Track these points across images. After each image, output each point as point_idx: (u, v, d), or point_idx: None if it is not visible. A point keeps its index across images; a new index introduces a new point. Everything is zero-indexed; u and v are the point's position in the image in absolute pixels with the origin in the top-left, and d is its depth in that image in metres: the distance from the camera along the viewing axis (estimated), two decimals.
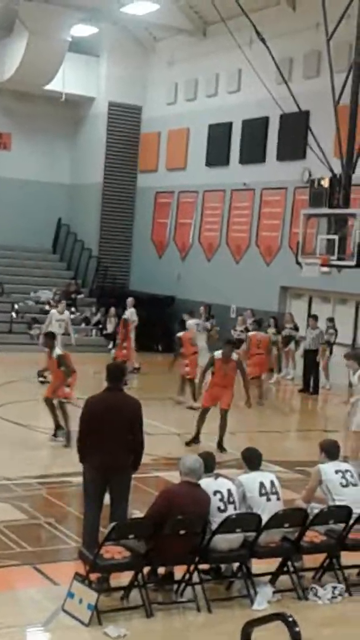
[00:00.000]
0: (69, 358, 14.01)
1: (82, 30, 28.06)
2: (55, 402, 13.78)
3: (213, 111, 26.84)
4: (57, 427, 13.78)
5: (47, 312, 26.80)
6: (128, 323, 21.19)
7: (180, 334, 18.59)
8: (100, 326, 26.47)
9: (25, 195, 29.91)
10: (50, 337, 14.46)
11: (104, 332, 25.97)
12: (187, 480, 7.87)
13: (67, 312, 21.99)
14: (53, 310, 22.21)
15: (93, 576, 7.56)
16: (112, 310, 25.69)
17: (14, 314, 26.21)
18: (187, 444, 14.11)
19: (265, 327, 22.77)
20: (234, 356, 14.37)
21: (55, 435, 13.78)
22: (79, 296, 28.24)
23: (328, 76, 17.02)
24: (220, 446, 13.89)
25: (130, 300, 23.14)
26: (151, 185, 29.85)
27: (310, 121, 21.12)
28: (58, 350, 14.05)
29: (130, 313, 22.27)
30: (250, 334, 20.12)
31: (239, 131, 25.95)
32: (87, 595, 7.31)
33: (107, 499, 8.23)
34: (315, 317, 21.33)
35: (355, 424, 12.89)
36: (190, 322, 20.48)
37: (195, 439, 14.25)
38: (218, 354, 14.24)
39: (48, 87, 28.14)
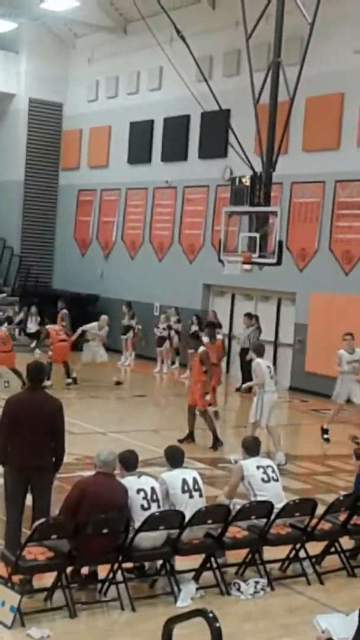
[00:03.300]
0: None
1: (1, 25, 27.71)
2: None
3: (134, 109, 26.83)
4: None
5: None
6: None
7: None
8: (22, 325, 26.24)
9: None
10: None
11: (27, 331, 25.77)
12: (101, 471, 7.87)
13: None
14: None
15: (15, 578, 7.49)
16: (34, 309, 25.55)
17: None
18: (180, 440, 14.23)
19: (189, 325, 22.89)
20: (200, 349, 14.78)
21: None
22: (1, 295, 27.93)
23: (248, 75, 17.13)
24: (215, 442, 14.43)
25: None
26: (73, 182, 29.70)
27: (231, 119, 21.24)
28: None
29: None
30: None
31: (160, 129, 26.01)
32: (10, 598, 7.24)
33: (29, 500, 8.17)
34: (250, 315, 21.32)
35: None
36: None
37: (189, 436, 14.60)
38: (190, 350, 15.24)
39: None
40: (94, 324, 20.73)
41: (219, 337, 18.00)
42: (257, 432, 13.47)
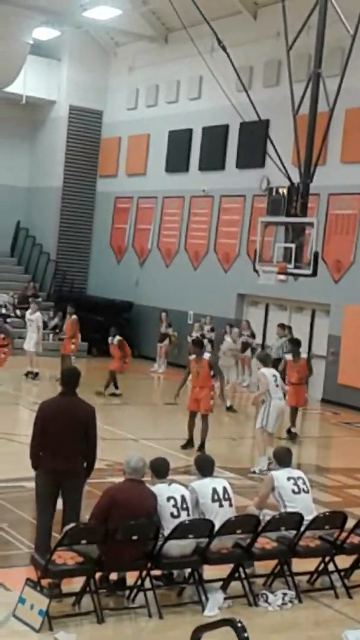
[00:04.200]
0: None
1: (44, 33, 27.98)
2: None
3: (173, 117, 26.93)
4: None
5: (3, 316, 26.75)
6: None
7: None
8: (58, 330, 26.37)
9: None
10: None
11: (61, 336, 25.87)
12: (130, 478, 7.90)
13: (38, 313, 22.10)
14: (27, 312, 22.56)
15: (45, 582, 7.53)
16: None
17: None
18: (183, 447, 14.56)
19: (222, 334, 22.88)
20: (206, 355, 14.75)
21: None
22: (37, 300, 28.08)
23: (288, 85, 17.14)
24: (201, 448, 14.41)
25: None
26: (111, 190, 29.85)
27: (270, 130, 21.28)
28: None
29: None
30: None
31: (199, 138, 26.07)
32: (39, 601, 7.28)
33: (60, 504, 8.21)
34: (283, 326, 21.23)
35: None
36: None
37: (189, 443, 14.70)
38: (192, 355, 14.91)
39: (8, 89, 27.99)
40: (228, 342, 20.54)
41: (304, 355, 17.25)
42: (266, 437, 13.80)
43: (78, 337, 21.97)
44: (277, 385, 14.06)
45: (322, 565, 8.78)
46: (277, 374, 14.44)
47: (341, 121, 20.61)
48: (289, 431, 16.44)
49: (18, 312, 27.23)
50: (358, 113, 20.84)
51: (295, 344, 17.47)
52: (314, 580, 8.84)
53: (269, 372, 14.22)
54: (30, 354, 21.24)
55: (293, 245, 16.36)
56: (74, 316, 21.74)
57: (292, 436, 16.35)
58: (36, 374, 21.08)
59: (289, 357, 16.85)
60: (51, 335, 26.43)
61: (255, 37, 23.67)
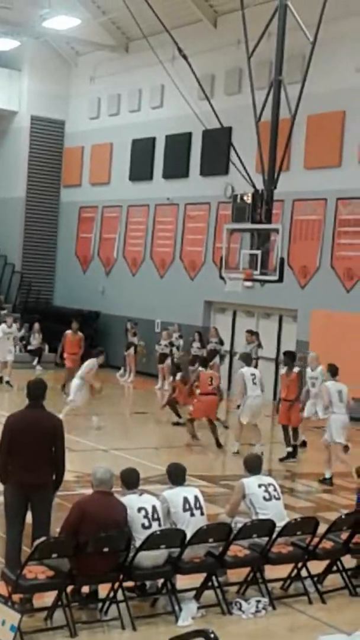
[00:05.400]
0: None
1: (3, 43, 27.86)
2: None
3: (136, 126, 26.93)
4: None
5: None
6: None
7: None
8: (24, 342, 26.21)
9: None
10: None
11: (28, 347, 25.76)
12: (99, 490, 7.84)
13: (15, 326, 22.54)
14: (3, 325, 22.49)
15: (16, 597, 7.44)
16: (37, 325, 25.58)
17: None
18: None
19: (190, 342, 22.87)
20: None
21: None
22: (3, 312, 27.88)
23: (249, 93, 17.19)
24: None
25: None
26: (75, 200, 29.76)
27: (233, 137, 21.34)
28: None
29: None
30: None
31: (162, 146, 26.10)
32: (10, 617, 7.17)
33: (29, 517, 8.13)
34: (251, 332, 21.21)
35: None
36: None
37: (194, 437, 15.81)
38: (202, 368, 16.18)
39: None
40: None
41: (296, 369, 15.58)
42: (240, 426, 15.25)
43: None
44: (254, 384, 14.98)
45: (295, 571, 8.77)
46: (256, 373, 15.46)
47: (303, 127, 20.73)
48: (289, 455, 15.71)
49: None
50: (320, 119, 20.98)
51: (289, 357, 15.90)
52: (287, 587, 8.82)
53: (248, 371, 15.16)
54: (10, 364, 21.73)
55: (259, 252, 16.39)
56: (80, 333, 21.41)
57: (292, 454, 15.73)
58: (7, 382, 21.47)
59: (282, 370, 16.02)
60: (18, 347, 26.24)
61: (216, 45, 23.76)
